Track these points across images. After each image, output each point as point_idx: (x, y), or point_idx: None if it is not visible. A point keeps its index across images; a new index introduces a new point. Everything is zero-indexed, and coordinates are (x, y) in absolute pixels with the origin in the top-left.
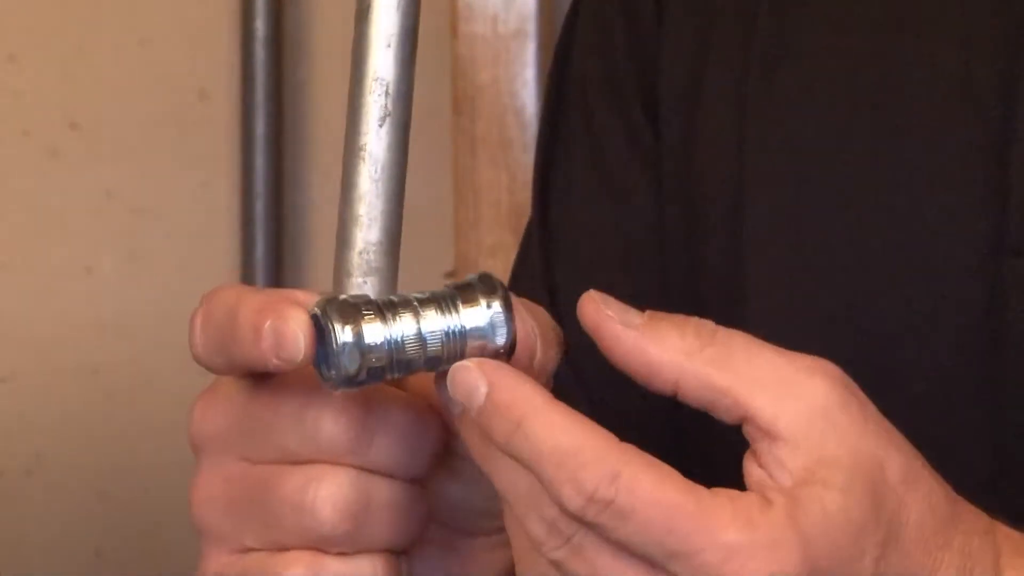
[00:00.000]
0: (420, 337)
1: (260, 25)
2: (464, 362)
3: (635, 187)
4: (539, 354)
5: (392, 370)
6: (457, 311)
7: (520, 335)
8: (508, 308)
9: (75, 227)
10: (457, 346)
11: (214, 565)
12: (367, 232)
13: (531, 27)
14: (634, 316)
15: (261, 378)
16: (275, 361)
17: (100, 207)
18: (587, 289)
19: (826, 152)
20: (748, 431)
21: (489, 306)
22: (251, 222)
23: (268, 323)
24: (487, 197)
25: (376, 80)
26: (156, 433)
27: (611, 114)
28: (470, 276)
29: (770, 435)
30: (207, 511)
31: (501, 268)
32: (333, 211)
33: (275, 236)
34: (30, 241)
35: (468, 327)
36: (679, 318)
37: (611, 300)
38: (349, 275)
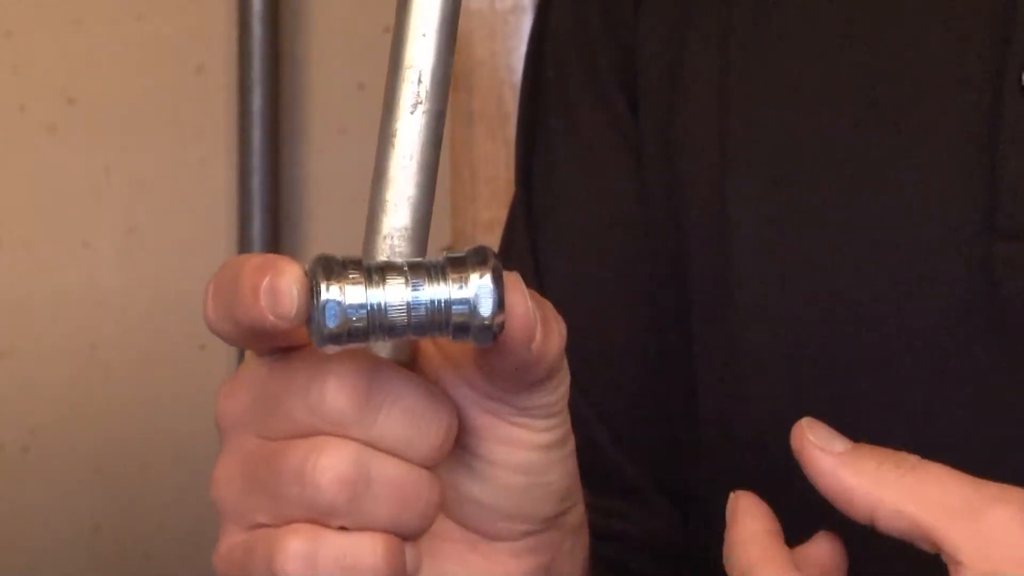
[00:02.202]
0: (404, 303)
1: (257, 0)
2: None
3: (614, 167)
4: (538, 338)
5: (375, 333)
6: (446, 281)
7: (518, 313)
8: (498, 282)
9: (73, 202)
10: (442, 316)
11: (226, 543)
12: (392, 217)
13: (528, 1)
14: (837, 444)
15: (281, 354)
16: (271, 319)
17: (97, 182)
18: (570, 268)
19: (812, 136)
20: (943, 558)
21: (480, 278)
22: (248, 197)
23: (266, 280)
24: (484, 172)
25: (410, 68)
26: (153, 408)
27: (588, 95)
28: (466, 248)
29: (954, 562)
30: (225, 490)
31: (498, 243)
32: (329, 186)
33: (272, 211)
34: (28, 216)
35: (454, 298)
36: (880, 450)
37: (817, 426)
38: (373, 259)
